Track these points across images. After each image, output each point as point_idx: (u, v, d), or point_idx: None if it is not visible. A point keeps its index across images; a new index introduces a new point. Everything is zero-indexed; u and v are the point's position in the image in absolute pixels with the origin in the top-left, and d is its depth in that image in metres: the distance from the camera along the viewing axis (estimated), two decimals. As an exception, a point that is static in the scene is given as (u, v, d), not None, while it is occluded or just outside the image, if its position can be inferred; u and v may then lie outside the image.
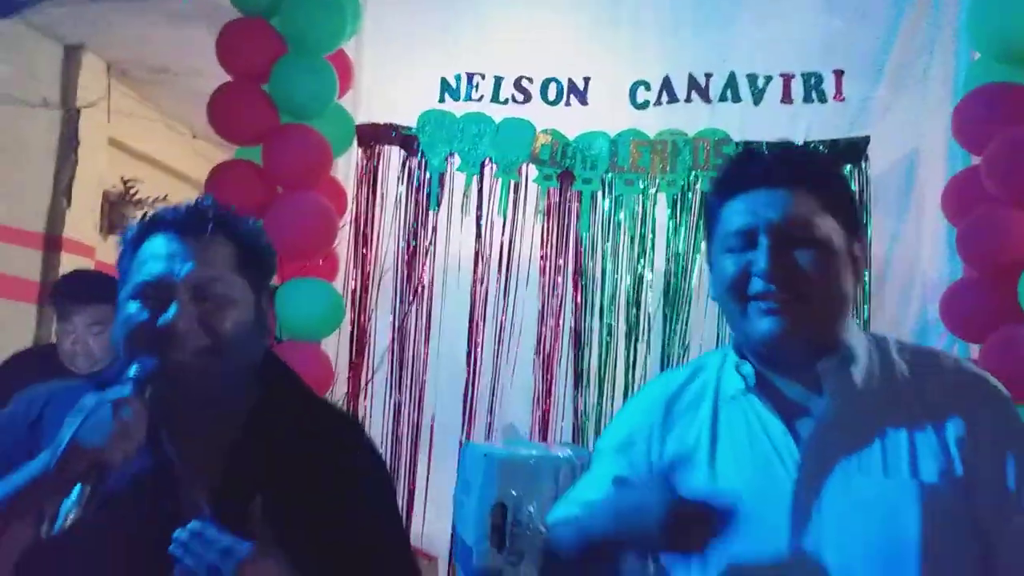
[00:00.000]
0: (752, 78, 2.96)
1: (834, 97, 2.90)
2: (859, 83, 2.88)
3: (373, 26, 3.21)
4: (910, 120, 2.84)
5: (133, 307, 1.12)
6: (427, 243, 3.13)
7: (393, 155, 3.21)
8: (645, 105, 3.09)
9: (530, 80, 3.17)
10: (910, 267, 2.86)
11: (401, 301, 3.12)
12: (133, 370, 1.07)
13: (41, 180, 4.02)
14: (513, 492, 2.10)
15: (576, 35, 3.19)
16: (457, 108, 3.19)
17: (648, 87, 3.09)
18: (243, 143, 2.92)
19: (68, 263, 4.01)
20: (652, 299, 3.06)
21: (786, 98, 2.93)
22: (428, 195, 3.16)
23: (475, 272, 3.12)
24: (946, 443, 1.11)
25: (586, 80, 3.15)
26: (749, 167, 1.20)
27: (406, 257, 3.14)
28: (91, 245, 4.28)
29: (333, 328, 2.88)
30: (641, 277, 3.02)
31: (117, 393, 1.03)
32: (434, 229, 3.14)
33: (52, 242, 4.04)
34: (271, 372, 1.23)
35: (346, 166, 3.18)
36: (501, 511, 2.14)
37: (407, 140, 3.19)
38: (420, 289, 3.08)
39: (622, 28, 3.15)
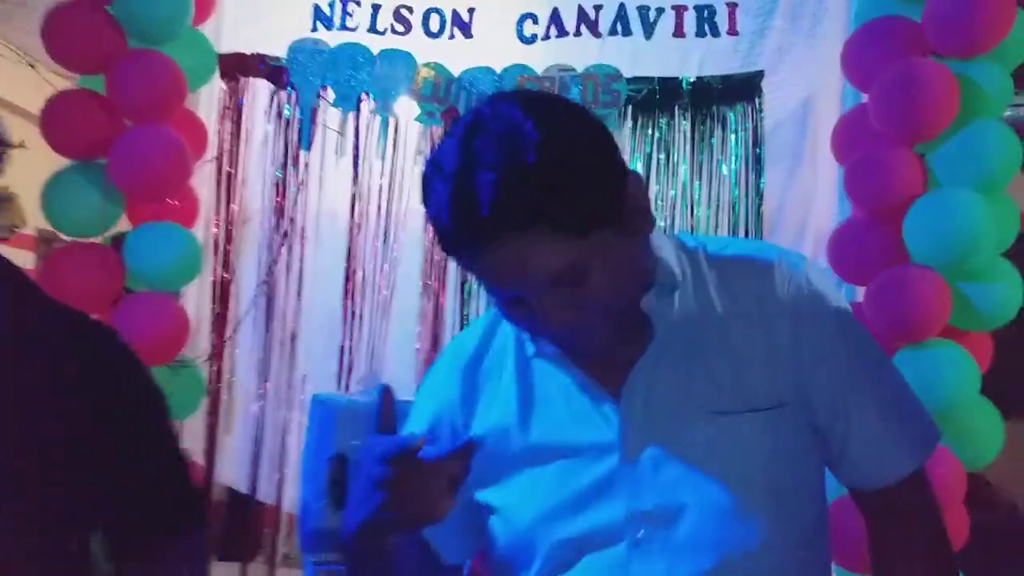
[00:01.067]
0: (643, 10, 2.76)
1: (727, 31, 2.74)
2: (753, 17, 2.72)
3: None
4: (804, 58, 2.71)
5: None
6: (298, 185, 2.87)
7: (260, 89, 2.91)
8: (533, 39, 2.87)
9: (410, 10, 2.91)
10: (803, 213, 2.77)
11: (269, 248, 2.86)
12: None
13: None
14: (355, 443, 1.90)
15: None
16: (331, 38, 2.91)
17: (536, 20, 2.87)
18: (86, 71, 2.56)
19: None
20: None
21: (679, 31, 2.75)
22: (300, 133, 2.90)
23: (352, 217, 2.88)
24: (775, 361, 0.99)
25: (471, 11, 2.90)
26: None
27: (275, 201, 2.88)
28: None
29: (189, 278, 2.59)
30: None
31: None
32: (306, 169, 2.88)
33: None
34: None
35: (208, 100, 2.87)
36: (340, 464, 1.94)
37: (276, 72, 2.89)
38: (289, 235, 2.83)
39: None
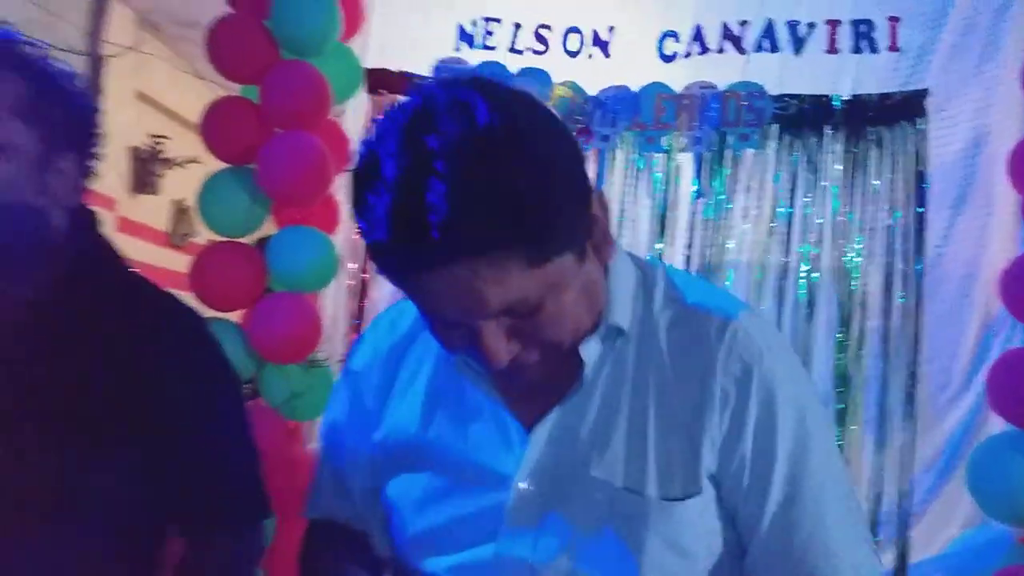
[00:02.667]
0: (793, 25, 2.56)
1: (887, 47, 2.49)
2: (918, 31, 2.45)
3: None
4: (977, 76, 2.41)
5: None
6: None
7: (404, 104, 2.92)
8: (673, 57, 2.72)
9: (549, 29, 2.84)
10: (972, 246, 2.41)
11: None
12: None
13: (62, 127, 3.83)
14: None
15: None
16: (473, 56, 2.88)
17: (677, 38, 2.72)
18: (243, 81, 2.63)
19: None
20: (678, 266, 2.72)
21: (832, 48, 2.53)
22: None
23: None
24: (701, 437, 0.81)
25: (611, 30, 2.79)
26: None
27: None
28: (113, 198, 4.08)
29: (326, 281, 2.58)
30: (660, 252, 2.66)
31: None
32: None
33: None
34: (81, 243, 1.01)
35: (355, 113, 2.89)
36: None
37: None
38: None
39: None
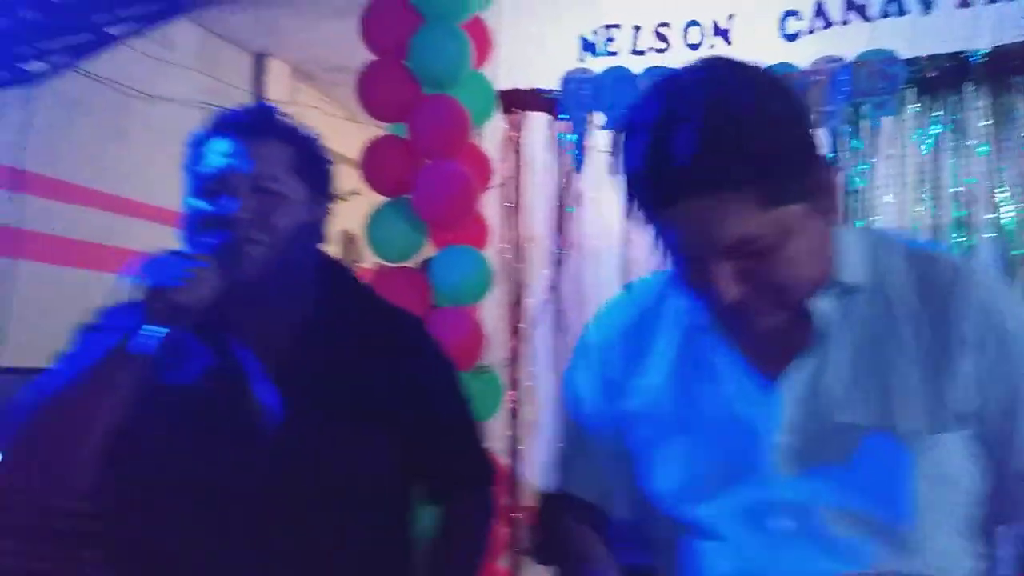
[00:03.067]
0: (921, -15, 2.50)
1: (1024, -8, 2.38)
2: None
3: (509, -8, 3.07)
4: None
5: (197, 200, 1.15)
6: (574, 205, 2.96)
7: (538, 120, 3.06)
8: (796, 35, 2.71)
9: (668, 26, 2.89)
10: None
11: (556, 265, 2.98)
12: (209, 241, 1.10)
13: (240, 178, 4.27)
14: None
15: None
16: (598, 64, 2.98)
17: (799, 16, 2.71)
18: (390, 119, 2.88)
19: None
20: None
21: (963, 1, 2.44)
22: (574, 157, 2.99)
23: (625, 233, 2.91)
24: (948, 374, 0.88)
25: (729, 18, 2.82)
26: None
27: (556, 221, 3.00)
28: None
29: (484, 293, 2.78)
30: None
31: (193, 250, 1.10)
32: (580, 190, 2.96)
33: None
34: (330, 276, 1.24)
35: (492, 133, 3.07)
36: None
37: (550, 103, 3.02)
38: (569, 251, 2.92)
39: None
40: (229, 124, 1.18)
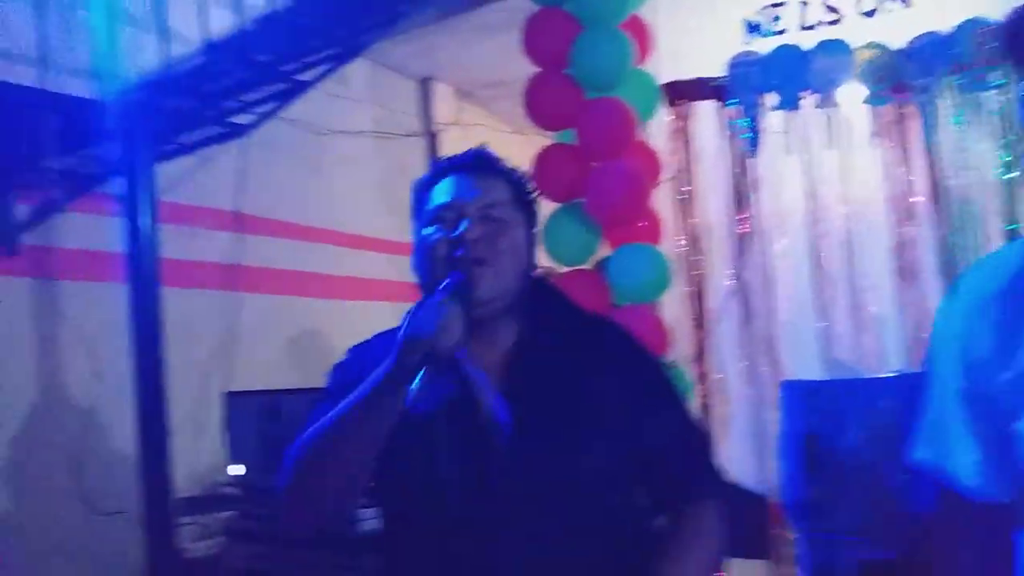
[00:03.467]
0: None
1: None
2: None
3: (665, -15, 3.04)
4: None
5: (430, 230, 1.23)
6: (752, 190, 2.88)
7: (704, 108, 3.00)
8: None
9: (837, 1, 2.76)
10: None
11: (738, 253, 2.90)
12: (446, 282, 1.16)
13: (416, 198, 4.47)
14: (824, 421, 1.81)
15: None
16: (764, 45, 2.89)
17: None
18: (558, 127, 2.92)
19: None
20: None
21: None
22: (748, 141, 2.91)
23: (809, 213, 2.79)
24: None
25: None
26: None
27: (733, 209, 2.92)
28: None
29: (663, 290, 2.75)
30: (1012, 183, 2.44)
31: (437, 296, 1.14)
32: (757, 174, 2.87)
33: (429, 251, 4.48)
34: (542, 296, 1.32)
35: (659, 127, 3.04)
36: (812, 442, 1.87)
37: (717, 90, 2.96)
38: (751, 237, 2.84)
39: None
40: (453, 167, 1.30)
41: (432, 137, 4.57)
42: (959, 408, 0.97)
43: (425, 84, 4.58)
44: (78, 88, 2.66)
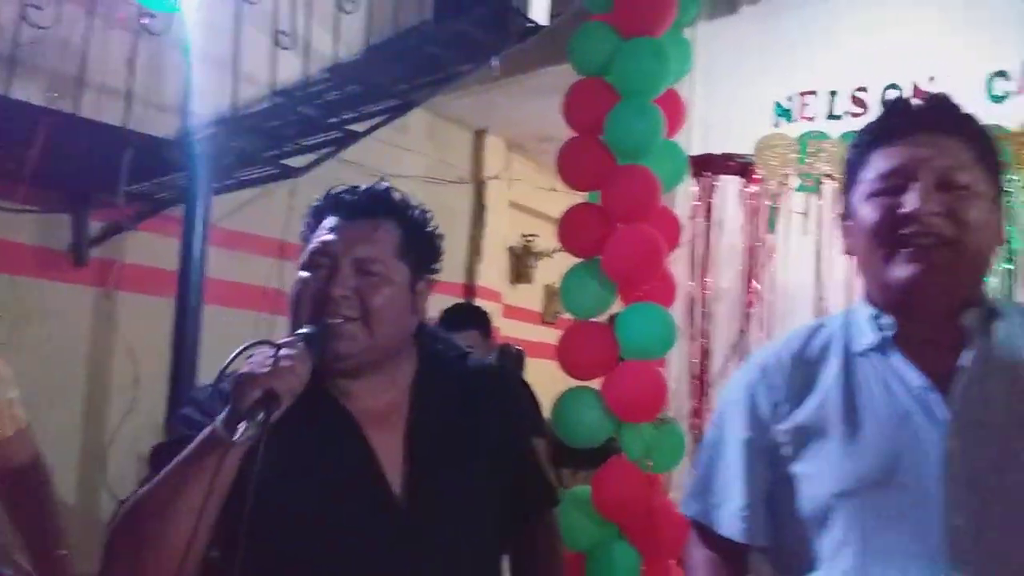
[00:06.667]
0: None
1: None
2: None
3: (703, 64, 3.12)
4: None
5: (303, 273, 1.16)
6: (765, 263, 2.92)
7: (728, 182, 3.07)
8: (1004, 97, 2.52)
9: (865, 90, 2.80)
10: None
11: (744, 319, 2.94)
12: (305, 330, 1.10)
13: (459, 240, 4.60)
14: None
15: (917, 37, 2.75)
16: (793, 129, 2.95)
17: (1007, 76, 2.52)
18: (587, 189, 3.01)
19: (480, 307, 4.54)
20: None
21: None
22: (767, 217, 2.96)
23: (815, 288, 2.81)
24: None
25: (931, 80, 2.68)
26: (900, 115, 1.02)
27: (746, 280, 2.96)
28: (498, 291, 4.76)
29: (667, 348, 2.79)
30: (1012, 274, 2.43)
31: (287, 340, 1.07)
32: (772, 249, 2.92)
33: (469, 290, 4.59)
34: (426, 346, 1.26)
35: (683, 196, 3.11)
36: None
37: (744, 167, 3.03)
38: (757, 305, 2.88)
39: (971, 19, 2.63)
40: (343, 203, 1.20)
41: (480, 184, 4.71)
42: (740, 458, 1.07)
43: (479, 136, 4.74)
44: (156, 122, 2.86)
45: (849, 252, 1.08)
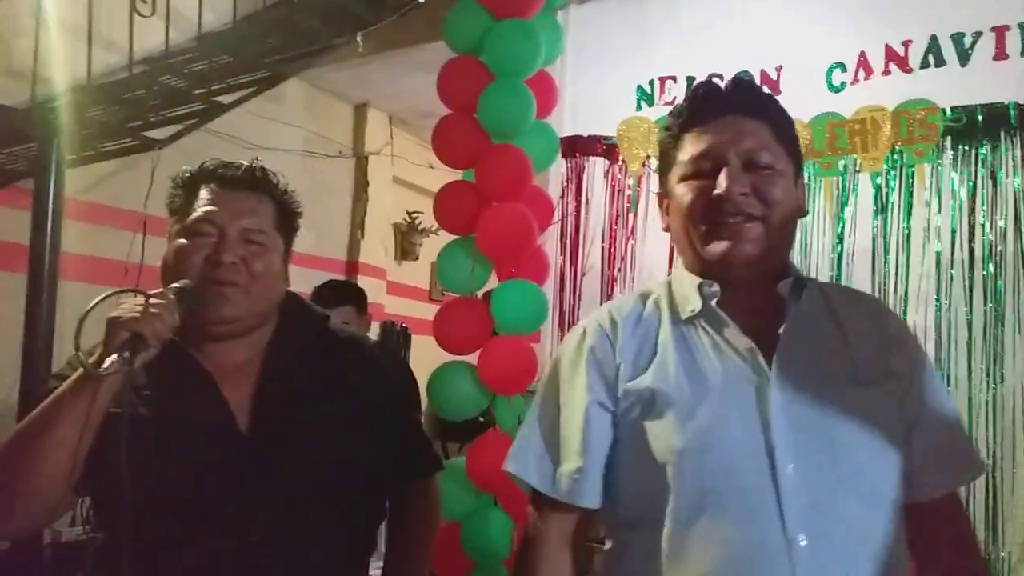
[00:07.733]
0: (958, 37, 2.46)
1: (1060, 45, 2.31)
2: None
3: (574, 47, 3.19)
4: None
5: (186, 240, 1.21)
6: (627, 241, 3.04)
7: (597, 163, 3.16)
8: (841, 87, 2.72)
9: (721, 77, 2.95)
10: None
11: (608, 295, 3.06)
12: (178, 284, 1.16)
13: (341, 216, 4.53)
14: None
15: (767, 28, 2.91)
16: (654, 113, 3.07)
17: (844, 68, 2.72)
18: (462, 166, 3.04)
19: (364, 284, 4.50)
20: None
21: (1000, 54, 2.39)
22: (629, 198, 3.08)
23: (670, 267, 2.96)
24: (873, 352, 1.08)
25: (778, 69, 2.85)
26: (707, 100, 1.10)
27: (609, 258, 3.08)
28: (383, 268, 4.73)
29: (538, 323, 2.88)
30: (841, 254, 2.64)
31: (155, 293, 1.13)
32: (633, 228, 3.04)
33: (352, 267, 4.54)
34: (290, 307, 1.35)
35: (555, 175, 3.19)
36: None
37: (610, 148, 3.13)
38: (620, 282, 3.00)
39: (814, 11, 2.81)
40: (223, 177, 1.26)
41: (363, 159, 4.65)
42: (580, 419, 1.09)
43: (360, 110, 4.67)
44: (6, 90, 2.68)
45: (667, 229, 1.15)
